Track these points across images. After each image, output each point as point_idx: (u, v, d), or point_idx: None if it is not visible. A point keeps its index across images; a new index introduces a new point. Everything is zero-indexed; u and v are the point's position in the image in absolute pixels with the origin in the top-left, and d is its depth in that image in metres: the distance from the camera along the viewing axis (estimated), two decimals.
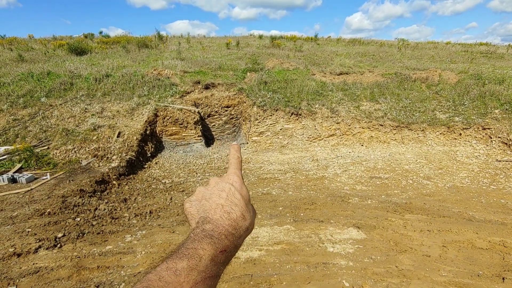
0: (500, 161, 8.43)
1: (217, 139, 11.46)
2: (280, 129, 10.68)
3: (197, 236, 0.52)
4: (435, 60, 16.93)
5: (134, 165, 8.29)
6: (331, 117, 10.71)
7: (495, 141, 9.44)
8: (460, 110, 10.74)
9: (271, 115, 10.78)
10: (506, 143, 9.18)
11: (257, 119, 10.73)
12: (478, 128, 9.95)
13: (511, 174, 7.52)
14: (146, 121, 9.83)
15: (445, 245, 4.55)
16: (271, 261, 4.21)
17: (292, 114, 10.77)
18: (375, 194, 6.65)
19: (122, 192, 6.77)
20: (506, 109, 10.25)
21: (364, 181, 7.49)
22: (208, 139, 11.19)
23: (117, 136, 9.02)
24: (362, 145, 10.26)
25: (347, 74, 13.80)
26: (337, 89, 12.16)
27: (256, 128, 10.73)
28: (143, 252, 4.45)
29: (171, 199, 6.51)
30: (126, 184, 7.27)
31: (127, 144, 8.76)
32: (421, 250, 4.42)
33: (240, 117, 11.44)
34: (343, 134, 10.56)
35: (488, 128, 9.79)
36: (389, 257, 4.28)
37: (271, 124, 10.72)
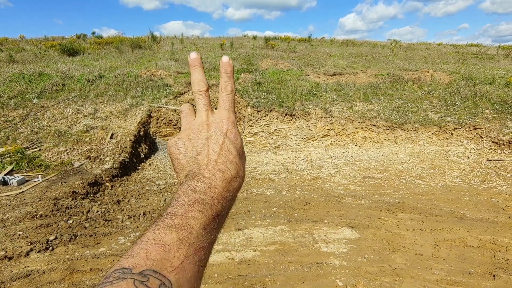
0: (490, 160, 8.56)
1: None
2: (274, 129, 10.71)
3: (187, 197, 0.47)
4: (427, 61, 17.13)
5: (128, 167, 8.24)
6: (325, 118, 10.77)
7: (486, 140, 9.58)
8: (452, 110, 10.88)
9: (265, 116, 10.80)
10: (496, 143, 9.32)
11: (251, 120, 10.74)
12: (469, 128, 10.09)
13: (502, 173, 7.64)
14: (139, 122, 9.77)
15: (437, 243, 4.60)
16: (265, 262, 4.22)
17: (286, 114, 10.80)
18: (368, 194, 6.70)
19: (115, 194, 6.72)
20: (497, 109, 10.41)
21: (357, 181, 7.54)
22: None
23: (110, 138, 8.95)
24: (355, 145, 10.33)
25: (340, 74, 13.89)
26: (331, 89, 12.23)
27: (250, 129, 10.73)
28: None
29: (165, 200, 6.47)
30: (119, 185, 7.22)
31: (120, 146, 8.70)
32: (413, 249, 4.46)
33: None
34: (336, 135, 10.62)
35: (479, 128, 9.93)
36: (382, 256, 4.32)
37: (265, 124, 10.74)
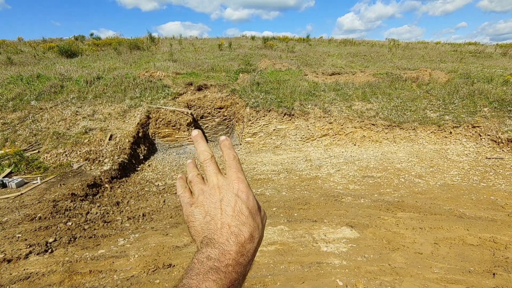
0: (489, 158, 8.57)
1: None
2: (273, 129, 10.71)
3: (202, 266, 0.48)
4: (425, 60, 17.15)
5: (127, 168, 8.23)
6: (323, 117, 10.77)
7: (484, 139, 9.59)
8: (450, 108, 10.90)
9: (264, 116, 10.79)
10: (495, 141, 9.34)
11: (250, 120, 10.73)
12: (468, 126, 10.10)
13: (501, 172, 7.65)
14: (138, 123, 9.76)
15: (436, 242, 4.60)
16: (265, 262, 4.21)
17: (285, 114, 10.80)
18: (368, 193, 6.70)
19: (114, 196, 6.71)
20: (495, 107, 10.43)
21: (357, 180, 7.54)
22: None
23: (109, 139, 8.94)
24: (354, 145, 10.33)
25: (339, 74, 13.90)
26: (329, 89, 12.24)
27: (249, 129, 10.73)
28: (136, 256, 4.41)
29: (164, 201, 6.47)
30: (118, 187, 7.21)
31: (119, 147, 8.69)
32: (413, 248, 4.46)
33: (233, 118, 11.44)
34: (335, 134, 10.62)
35: (478, 126, 9.94)
36: (382, 255, 4.32)
37: (264, 125, 10.74)
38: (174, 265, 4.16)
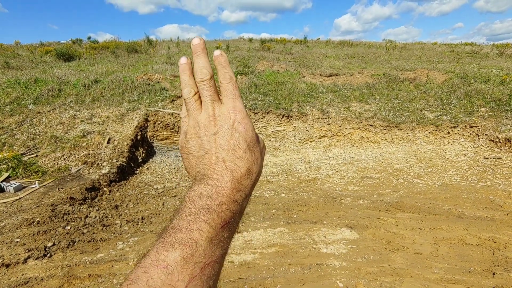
0: (487, 158, 8.60)
1: None
2: (272, 131, 10.71)
3: (193, 205, 0.44)
4: (422, 60, 17.22)
5: (125, 171, 8.20)
6: (322, 119, 10.79)
7: (482, 138, 9.62)
8: (448, 109, 10.94)
9: (262, 118, 10.80)
10: (493, 140, 9.37)
11: None
12: (465, 126, 10.14)
13: (499, 171, 7.67)
14: (136, 126, 9.75)
15: (436, 242, 4.61)
16: (265, 264, 4.20)
17: (283, 116, 10.81)
18: (367, 194, 6.70)
19: (113, 199, 6.69)
20: (492, 107, 10.48)
21: (356, 181, 7.55)
22: None
23: (107, 142, 8.92)
24: (353, 146, 10.35)
25: (336, 75, 13.93)
26: (327, 90, 12.26)
27: None
28: (136, 259, 4.39)
29: (163, 204, 6.45)
30: (117, 190, 7.18)
31: (118, 150, 8.67)
32: (413, 248, 4.47)
33: None
34: (334, 135, 10.64)
35: (475, 126, 9.98)
36: (382, 256, 4.31)
37: (262, 126, 10.74)
38: None
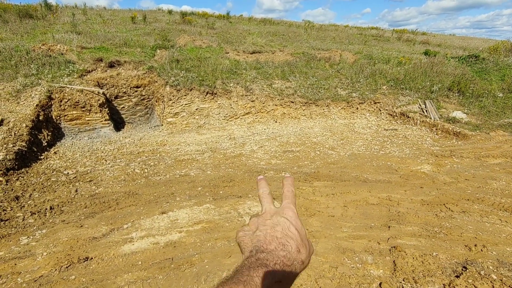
0: (386, 130, 9.91)
1: (128, 122, 10.61)
2: (196, 109, 10.46)
3: (252, 264, 0.51)
4: (336, 41, 18.57)
5: (26, 157, 7.12)
6: (246, 96, 10.92)
7: (383, 113, 11.02)
8: (357, 86, 12.14)
9: (185, 95, 10.42)
10: (391, 115, 10.81)
11: (170, 100, 10.26)
12: (370, 102, 11.43)
13: (395, 141, 8.94)
14: (37, 105, 8.43)
15: (345, 205, 5.21)
16: (192, 242, 4.21)
17: (207, 93, 10.61)
18: (288, 167, 7.14)
19: (12, 189, 5.79)
20: (391, 85, 11.99)
21: (278, 155, 7.95)
22: (118, 123, 10.27)
23: (0, 124, 7.56)
24: (275, 122, 10.80)
25: (259, 53, 14.12)
26: (251, 67, 12.38)
27: (171, 109, 10.27)
28: (45, 253, 3.95)
29: (76, 191, 5.86)
30: (17, 179, 6.23)
31: (14, 133, 7.43)
32: (327, 212, 4.98)
33: (153, 98, 10.76)
34: (258, 112, 10.91)
35: (378, 102, 11.34)
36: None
37: (186, 104, 10.39)
38: (92, 258, 3.85)
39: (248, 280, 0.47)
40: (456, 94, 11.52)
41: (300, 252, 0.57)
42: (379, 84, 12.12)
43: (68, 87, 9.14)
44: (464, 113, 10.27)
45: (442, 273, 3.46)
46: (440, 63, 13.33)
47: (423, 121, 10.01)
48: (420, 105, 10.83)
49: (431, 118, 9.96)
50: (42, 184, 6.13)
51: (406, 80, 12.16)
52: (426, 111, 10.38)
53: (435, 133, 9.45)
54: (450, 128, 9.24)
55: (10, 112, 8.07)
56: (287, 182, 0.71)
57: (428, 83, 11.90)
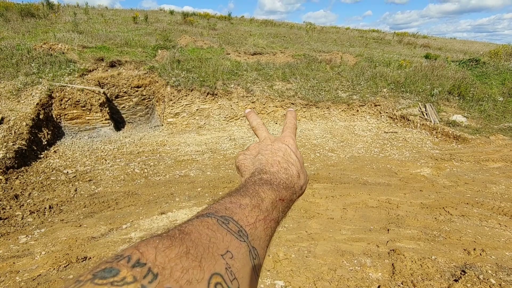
0: (387, 132, 9.92)
1: (128, 122, 10.61)
2: (197, 109, 10.46)
3: (256, 182, 0.51)
4: (337, 43, 18.59)
5: (26, 156, 7.13)
6: (246, 97, 10.92)
7: (383, 115, 11.02)
8: (357, 89, 12.15)
9: (186, 95, 10.43)
10: (391, 117, 10.82)
11: (171, 100, 10.26)
12: (371, 105, 11.44)
13: (395, 144, 8.94)
14: (38, 103, 8.44)
15: (345, 207, 5.21)
16: None
17: (208, 94, 10.62)
18: None
19: (11, 188, 5.79)
20: (392, 88, 12.00)
21: None
22: (118, 122, 10.27)
23: (0, 123, 7.57)
24: (276, 123, 10.81)
25: (260, 54, 14.13)
26: (252, 69, 12.39)
27: (171, 109, 10.28)
28: (43, 253, 3.94)
29: (75, 190, 5.86)
30: (16, 178, 6.23)
31: (14, 132, 7.44)
32: (326, 214, 4.97)
33: (153, 98, 10.77)
34: (258, 113, 10.90)
35: (379, 105, 11.35)
36: (300, 223, 4.71)
37: (186, 104, 10.40)
38: (90, 257, 3.85)
39: (253, 194, 0.48)
40: (457, 97, 11.53)
41: (300, 177, 0.59)
42: (379, 87, 12.13)
43: (69, 86, 9.14)
44: (464, 116, 10.28)
45: (441, 277, 3.46)
46: (441, 67, 13.35)
47: (423, 124, 10.02)
48: (420, 108, 10.84)
49: (431, 122, 9.96)
50: (42, 183, 6.13)
51: (406, 83, 12.17)
52: (426, 114, 10.39)
53: (435, 136, 9.45)
54: (450, 132, 9.24)
55: (11, 111, 8.07)
56: (290, 115, 0.74)
57: (429, 86, 11.91)
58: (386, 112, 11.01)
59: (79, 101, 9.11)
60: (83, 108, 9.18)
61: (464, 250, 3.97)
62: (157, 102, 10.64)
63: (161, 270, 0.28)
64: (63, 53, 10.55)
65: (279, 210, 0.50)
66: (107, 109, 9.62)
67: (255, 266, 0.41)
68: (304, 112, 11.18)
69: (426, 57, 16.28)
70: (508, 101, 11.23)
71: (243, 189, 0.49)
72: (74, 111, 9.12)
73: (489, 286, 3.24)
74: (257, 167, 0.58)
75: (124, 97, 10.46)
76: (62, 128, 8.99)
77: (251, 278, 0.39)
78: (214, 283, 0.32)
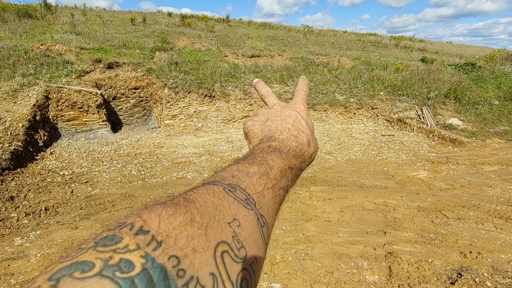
0: (384, 135, 9.96)
1: (126, 124, 10.59)
2: (194, 111, 10.46)
3: (264, 149, 0.50)
4: (335, 46, 18.68)
5: (22, 157, 7.08)
6: (244, 99, 10.94)
7: (380, 118, 11.07)
8: (355, 92, 12.20)
9: (183, 97, 10.43)
10: (388, 120, 10.87)
11: (169, 102, 10.25)
12: (368, 108, 11.49)
13: (392, 146, 8.98)
14: (34, 105, 8.40)
15: (342, 210, 5.22)
16: None
17: (205, 96, 10.62)
18: None
19: (7, 190, 5.75)
20: (389, 91, 12.07)
21: None
22: (115, 124, 10.24)
23: None
24: None
25: (258, 57, 14.17)
26: (249, 71, 12.42)
27: (169, 111, 10.27)
28: (39, 255, 3.91)
29: (72, 192, 5.83)
30: (12, 179, 6.19)
31: (10, 133, 7.39)
32: (323, 217, 4.98)
33: (151, 100, 10.75)
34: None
35: (376, 108, 11.40)
36: (297, 226, 4.71)
37: (184, 106, 10.39)
38: None
39: (261, 161, 0.47)
40: (453, 101, 11.61)
41: (310, 145, 0.58)
42: (376, 90, 12.19)
43: (66, 88, 9.11)
44: (461, 120, 10.35)
45: (437, 279, 3.47)
46: (437, 70, 13.45)
47: (419, 127, 10.07)
48: (417, 111, 10.90)
49: (427, 125, 10.02)
50: (38, 184, 6.10)
51: (403, 86, 12.24)
52: (423, 117, 10.45)
53: (431, 139, 9.50)
54: (447, 135, 9.30)
55: (7, 112, 8.02)
56: (302, 82, 0.72)
57: (425, 90, 11.99)
58: (383, 115, 11.06)
59: (76, 103, 9.08)
60: (80, 110, 9.15)
61: (461, 253, 3.99)
62: (154, 104, 10.63)
63: (165, 238, 0.28)
64: (61, 54, 10.52)
65: (288, 179, 0.49)
66: (104, 110, 9.59)
67: (263, 234, 0.40)
68: None
69: (423, 60, 16.40)
70: (503, 104, 11.33)
71: (251, 157, 0.48)
72: (71, 113, 9.08)
73: None
74: (266, 134, 0.57)
75: (122, 99, 10.44)
76: (59, 130, 8.95)
77: (259, 247, 0.38)
78: (221, 251, 0.32)
